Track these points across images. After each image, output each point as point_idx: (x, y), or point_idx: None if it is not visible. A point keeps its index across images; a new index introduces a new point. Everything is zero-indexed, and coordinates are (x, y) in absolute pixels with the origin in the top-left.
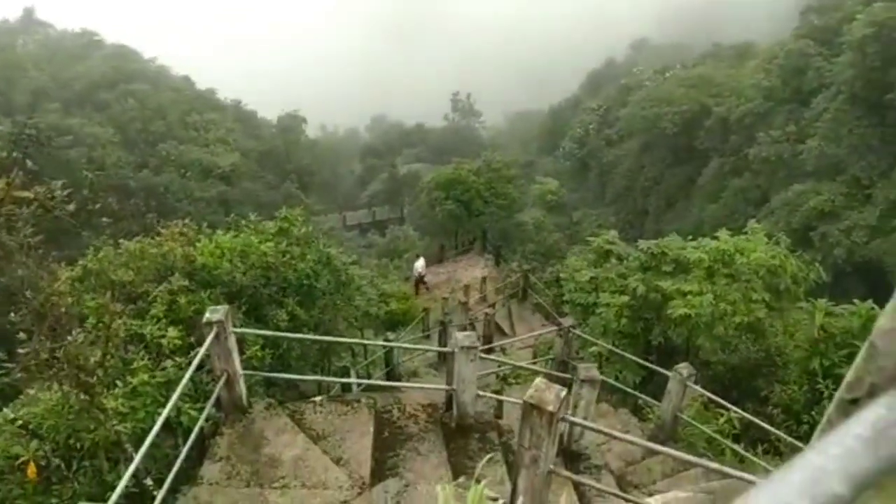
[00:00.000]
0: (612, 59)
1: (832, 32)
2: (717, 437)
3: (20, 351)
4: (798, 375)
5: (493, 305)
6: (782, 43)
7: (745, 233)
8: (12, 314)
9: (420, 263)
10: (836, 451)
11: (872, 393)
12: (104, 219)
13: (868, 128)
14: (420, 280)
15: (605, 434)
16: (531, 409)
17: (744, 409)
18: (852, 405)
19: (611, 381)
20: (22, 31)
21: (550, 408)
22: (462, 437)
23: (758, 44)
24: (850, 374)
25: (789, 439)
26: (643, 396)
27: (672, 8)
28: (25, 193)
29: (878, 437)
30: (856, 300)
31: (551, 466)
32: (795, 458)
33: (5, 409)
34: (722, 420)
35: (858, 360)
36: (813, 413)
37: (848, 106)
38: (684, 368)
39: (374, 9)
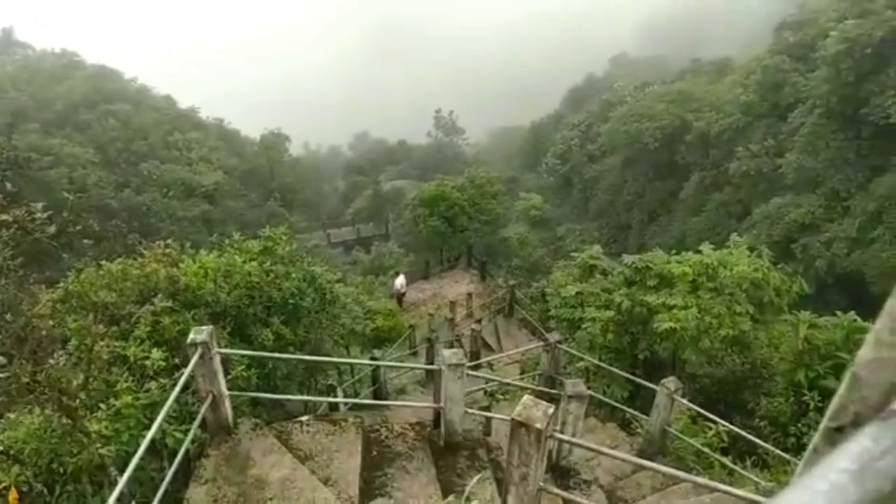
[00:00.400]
0: (592, 74)
1: (807, 48)
2: (706, 450)
3: (0, 375)
4: (784, 387)
5: (479, 321)
6: (759, 59)
7: (728, 246)
8: None
9: (400, 280)
10: (823, 486)
11: (857, 422)
12: (86, 240)
13: (844, 141)
14: (400, 297)
15: (594, 450)
16: (519, 426)
17: (731, 422)
18: (837, 433)
19: (598, 395)
20: (1, 52)
21: (538, 425)
22: (451, 455)
23: (735, 59)
24: (834, 403)
25: (777, 451)
26: (631, 411)
27: (650, 23)
28: (4, 216)
29: (865, 470)
30: (838, 312)
31: (541, 483)
32: (783, 494)
33: None
34: (710, 433)
35: (842, 388)
36: (799, 425)
37: (824, 120)
38: (671, 382)
39: (355, 28)
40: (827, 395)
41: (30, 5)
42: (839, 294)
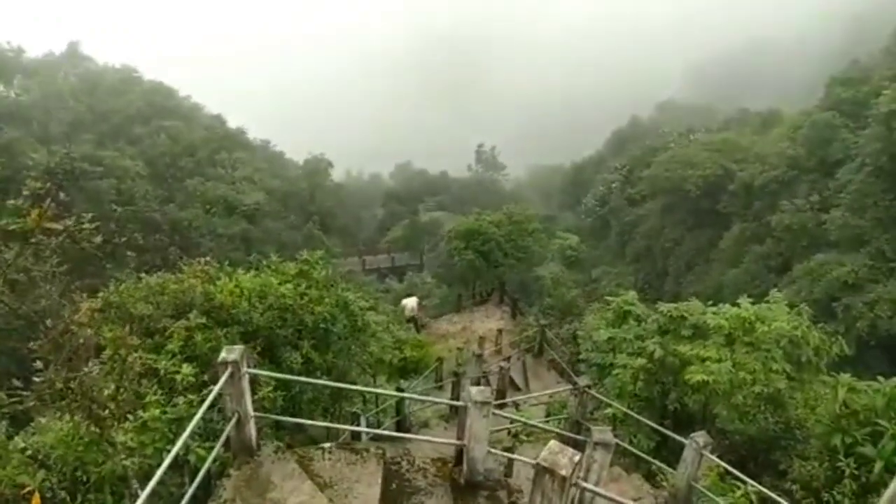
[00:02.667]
0: (637, 117)
1: (859, 105)
2: None
3: (35, 379)
4: (818, 451)
5: (507, 359)
6: (807, 113)
7: (767, 301)
8: (31, 342)
9: (411, 304)
10: None
11: None
12: (129, 252)
13: (893, 201)
14: (412, 320)
15: (619, 503)
16: (544, 471)
17: (761, 483)
18: None
19: (624, 444)
20: (65, 64)
21: (563, 472)
22: (470, 494)
23: (783, 112)
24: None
25: None
26: (657, 462)
27: (698, 70)
28: (55, 225)
29: None
30: (880, 376)
31: None
32: None
33: (16, 437)
34: (738, 493)
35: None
36: (833, 492)
37: (873, 179)
38: (701, 437)
39: (403, 60)
40: (864, 462)
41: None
42: (880, 358)
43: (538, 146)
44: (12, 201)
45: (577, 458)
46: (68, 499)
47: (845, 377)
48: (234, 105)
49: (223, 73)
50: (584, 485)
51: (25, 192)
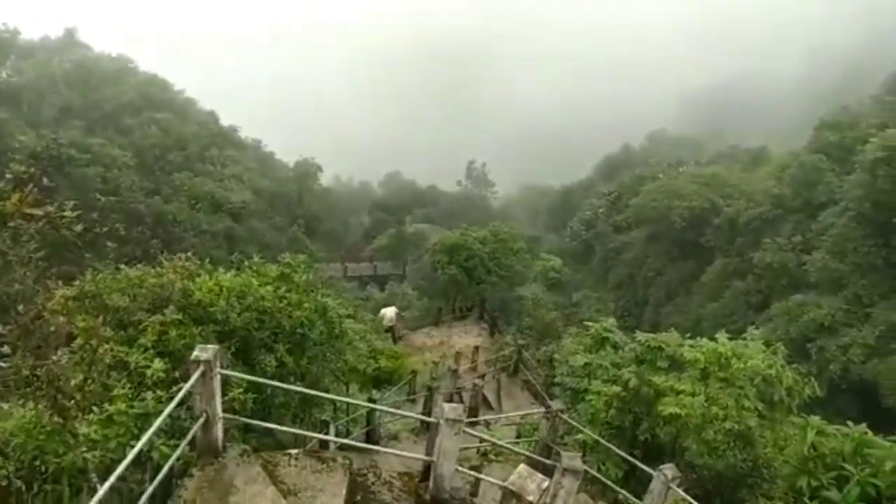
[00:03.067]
0: (629, 145)
1: (845, 150)
2: None
3: (1, 364)
4: (784, 492)
5: (482, 376)
6: (795, 153)
7: (744, 337)
8: (1, 326)
9: (389, 314)
10: None
11: None
12: (109, 242)
13: (873, 248)
14: (390, 330)
15: None
16: (511, 495)
17: None
18: None
19: (593, 472)
20: (61, 50)
21: (531, 497)
22: None
23: (772, 151)
24: None
25: None
26: (624, 492)
27: (692, 104)
28: (36, 211)
29: None
30: (850, 421)
31: None
32: None
33: None
34: None
35: None
36: None
37: (855, 224)
38: (669, 469)
39: (401, 71)
40: None
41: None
42: (851, 401)
43: (529, 166)
44: None
45: (545, 484)
46: (24, 488)
47: (815, 419)
48: (227, 103)
49: (218, 71)
50: None
51: (8, 176)
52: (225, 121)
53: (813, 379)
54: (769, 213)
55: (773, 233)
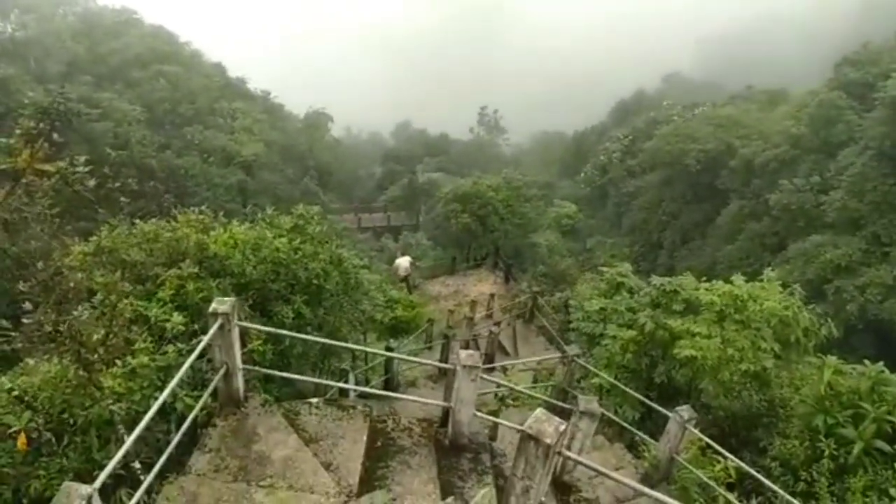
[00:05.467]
0: (643, 89)
1: (867, 87)
2: (712, 483)
3: (25, 321)
4: (800, 431)
5: (498, 324)
6: (814, 92)
7: (760, 279)
8: (21, 283)
9: (405, 262)
10: None
11: None
12: (122, 197)
13: (893, 186)
14: (405, 280)
15: (600, 472)
16: (529, 439)
17: (741, 459)
18: None
19: (609, 414)
20: (63, 2)
21: (548, 440)
22: (454, 455)
23: (790, 90)
24: None
25: (785, 495)
26: (641, 434)
27: (707, 45)
28: (48, 167)
29: None
30: (866, 360)
31: (542, 499)
32: None
33: (3, 378)
34: (717, 467)
35: None
36: (811, 470)
37: (875, 162)
38: (685, 411)
39: (411, 19)
40: (843, 443)
41: None
42: (868, 341)
43: (542, 112)
44: (4, 140)
45: (562, 427)
46: (54, 440)
47: (832, 359)
48: (234, 53)
49: (226, 22)
50: (567, 454)
51: (18, 131)
52: (232, 74)
53: (829, 319)
54: (786, 153)
55: (790, 174)
